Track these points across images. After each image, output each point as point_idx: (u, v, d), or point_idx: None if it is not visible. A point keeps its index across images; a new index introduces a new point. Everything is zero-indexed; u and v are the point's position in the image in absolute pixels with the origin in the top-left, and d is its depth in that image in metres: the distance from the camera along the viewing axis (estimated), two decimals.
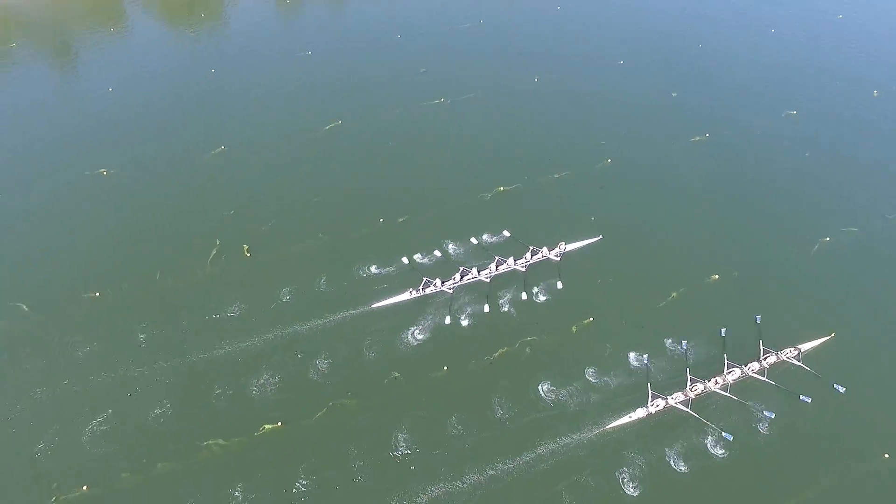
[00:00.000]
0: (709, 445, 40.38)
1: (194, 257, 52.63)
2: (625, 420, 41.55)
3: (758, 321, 47.25)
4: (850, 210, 58.06)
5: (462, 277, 50.45)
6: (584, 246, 53.72)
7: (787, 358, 45.22)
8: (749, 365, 44.75)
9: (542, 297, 49.64)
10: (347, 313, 47.79)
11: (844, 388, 43.17)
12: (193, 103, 72.61)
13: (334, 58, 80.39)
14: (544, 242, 53.01)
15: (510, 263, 51.66)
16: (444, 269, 51.36)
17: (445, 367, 44.18)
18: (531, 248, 52.70)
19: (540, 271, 51.48)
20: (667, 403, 42.29)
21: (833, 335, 46.37)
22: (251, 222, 56.00)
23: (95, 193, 59.25)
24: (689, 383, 43.33)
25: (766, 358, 45.12)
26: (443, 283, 49.82)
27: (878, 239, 55.26)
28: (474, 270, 50.78)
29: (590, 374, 43.97)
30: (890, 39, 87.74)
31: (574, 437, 40.31)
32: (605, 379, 43.77)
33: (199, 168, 62.57)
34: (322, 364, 44.53)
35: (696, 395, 42.87)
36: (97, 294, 49.48)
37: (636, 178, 61.31)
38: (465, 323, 47.69)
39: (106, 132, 67.68)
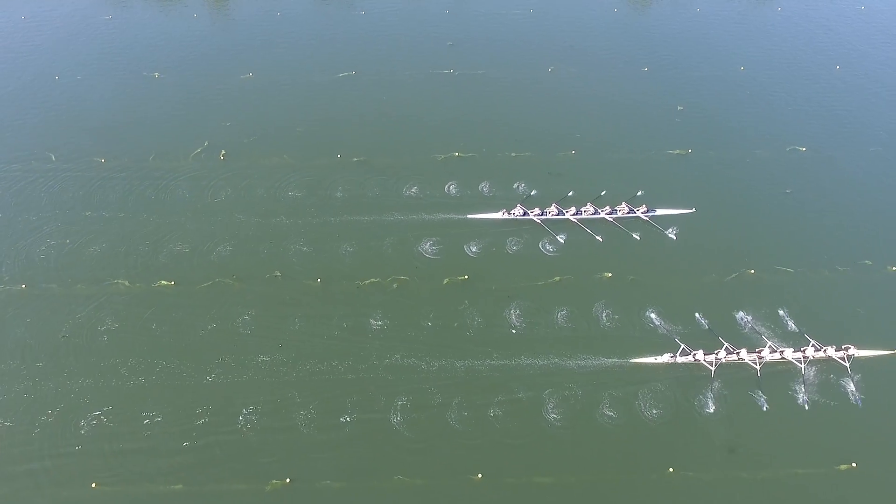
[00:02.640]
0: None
1: (183, 151, 64.12)
2: (650, 360, 45.72)
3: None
4: (792, 252, 54.34)
5: (547, 213, 57.20)
6: (674, 214, 57.31)
7: (834, 355, 45.97)
8: (786, 349, 46.10)
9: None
10: (256, 220, 56.46)
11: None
12: (247, 35, 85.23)
13: (381, 19, 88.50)
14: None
15: (592, 210, 57.28)
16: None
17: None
18: (624, 202, 57.87)
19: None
20: (694, 358, 45.45)
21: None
22: (239, 134, 66.36)
23: (139, 88, 73.61)
24: (723, 347, 45.95)
25: (807, 349, 46.21)
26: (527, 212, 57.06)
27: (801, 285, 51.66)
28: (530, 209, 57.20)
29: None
30: None
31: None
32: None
33: (225, 87, 74.29)
34: (224, 250, 53.47)
35: (726, 360, 45.59)
36: (103, 160, 62.72)
37: (590, 174, 61.95)
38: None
39: (182, 50, 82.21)
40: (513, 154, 64.33)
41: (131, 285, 50.75)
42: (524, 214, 57.06)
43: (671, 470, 39.89)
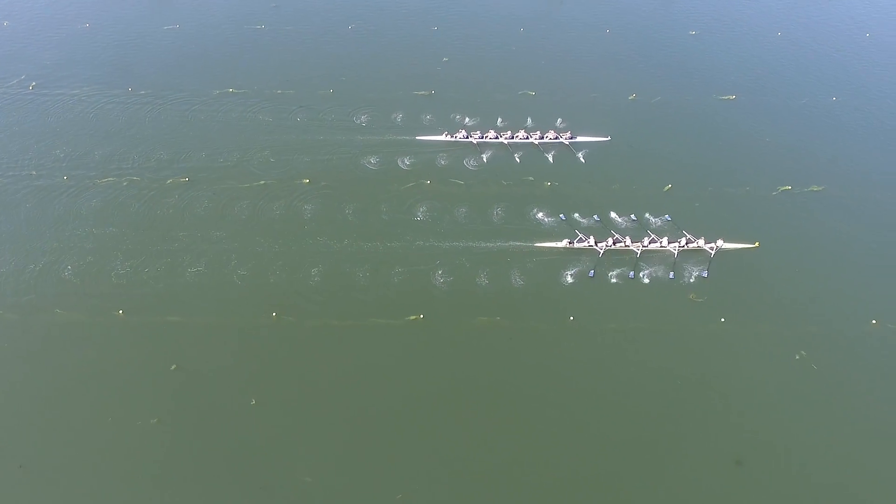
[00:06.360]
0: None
1: (1, 82, 75.75)
2: (552, 244, 56.29)
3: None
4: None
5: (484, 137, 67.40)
6: (592, 141, 67.60)
7: (703, 245, 56.22)
8: (668, 240, 56.53)
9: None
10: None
11: (707, 274, 53.87)
12: None
13: None
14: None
15: (523, 135, 67.52)
16: None
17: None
18: (552, 130, 68.43)
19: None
20: (587, 244, 56.17)
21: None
22: (56, 70, 77.73)
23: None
24: (613, 237, 56.71)
25: (684, 239, 56.56)
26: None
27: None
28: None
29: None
30: None
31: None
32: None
33: (62, 33, 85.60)
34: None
35: (623, 247, 56.16)
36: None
37: (335, 106, 72.24)
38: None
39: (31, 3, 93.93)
40: (279, 91, 74.86)
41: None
42: (465, 137, 67.24)
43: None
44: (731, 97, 75.25)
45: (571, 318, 50.36)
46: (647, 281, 53.68)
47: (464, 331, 49.92)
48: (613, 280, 53.73)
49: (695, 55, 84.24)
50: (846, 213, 60.41)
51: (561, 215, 58.91)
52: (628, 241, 56.39)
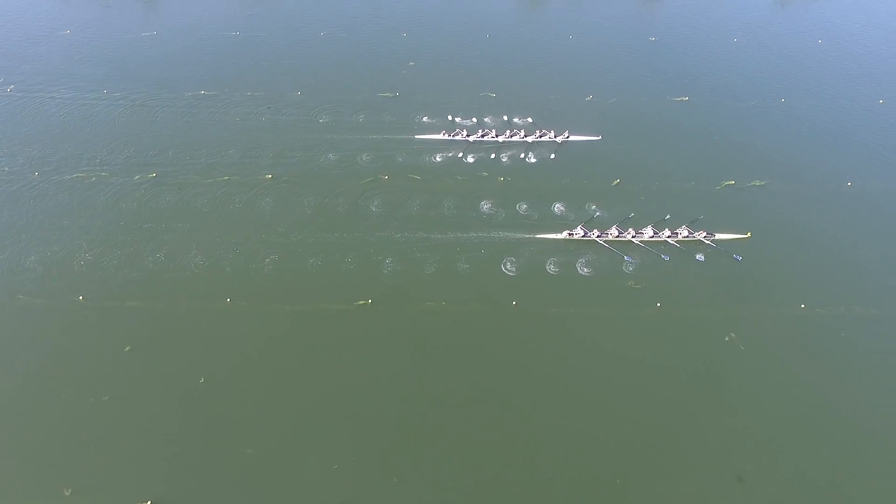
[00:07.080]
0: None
1: None
2: (551, 235, 58.73)
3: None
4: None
5: (482, 136, 70.86)
6: (584, 140, 70.75)
7: (701, 237, 58.52)
8: (664, 231, 58.82)
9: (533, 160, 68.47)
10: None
11: (741, 257, 56.22)
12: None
13: None
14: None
15: (521, 135, 70.86)
16: None
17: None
18: (542, 129, 71.46)
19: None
20: (585, 235, 58.50)
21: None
22: (32, 76, 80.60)
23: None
24: (613, 228, 58.85)
25: (679, 231, 58.81)
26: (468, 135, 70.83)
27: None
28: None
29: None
30: None
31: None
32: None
33: (45, 38, 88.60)
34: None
35: (613, 237, 58.54)
36: None
37: (311, 112, 75.08)
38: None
39: None
40: (249, 93, 77.78)
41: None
42: (466, 137, 70.22)
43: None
44: (685, 98, 78.22)
45: (514, 302, 52.60)
46: (586, 270, 55.86)
47: (410, 314, 52.01)
48: (553, 269, 56.00)
49: (653, 60, 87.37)
50: (783, 204, 62.91)
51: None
52: (629, 232, 58.66)
